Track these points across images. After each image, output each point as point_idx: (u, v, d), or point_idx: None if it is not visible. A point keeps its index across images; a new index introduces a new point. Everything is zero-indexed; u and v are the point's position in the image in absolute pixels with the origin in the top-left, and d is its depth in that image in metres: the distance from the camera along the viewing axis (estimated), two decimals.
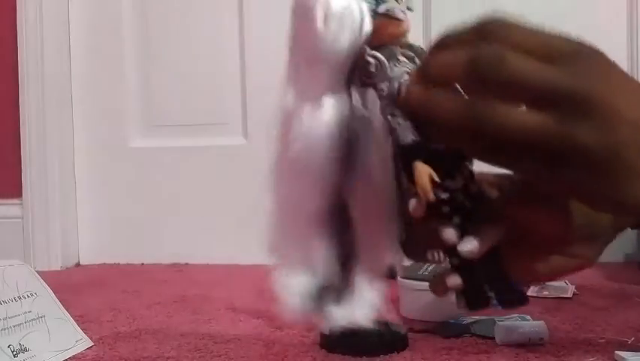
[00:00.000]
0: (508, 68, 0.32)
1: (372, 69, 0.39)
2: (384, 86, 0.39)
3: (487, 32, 0.34)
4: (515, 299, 0.41)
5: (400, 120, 0.38)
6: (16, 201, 1.35)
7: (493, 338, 0.67)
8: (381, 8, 0.40)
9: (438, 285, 0.41)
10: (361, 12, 0.40)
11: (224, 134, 1.33)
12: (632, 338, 0.67)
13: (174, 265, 1.30)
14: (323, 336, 0.68)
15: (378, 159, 0.41)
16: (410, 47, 0.41)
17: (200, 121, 1.34)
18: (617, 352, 0.61)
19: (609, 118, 0.32)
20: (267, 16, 1.30)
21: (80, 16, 1.38)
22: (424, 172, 0.37)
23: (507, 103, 0.32)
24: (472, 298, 0.41)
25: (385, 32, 0.40)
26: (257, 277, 1.12)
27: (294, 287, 0.45)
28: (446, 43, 0.35)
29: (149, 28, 1.36)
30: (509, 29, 0.34)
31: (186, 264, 1.31)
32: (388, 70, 0.39)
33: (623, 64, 1.17)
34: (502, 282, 0.41)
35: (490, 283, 0.41)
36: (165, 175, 1.36)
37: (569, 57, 0.33)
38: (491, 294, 0.41)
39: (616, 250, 1.14)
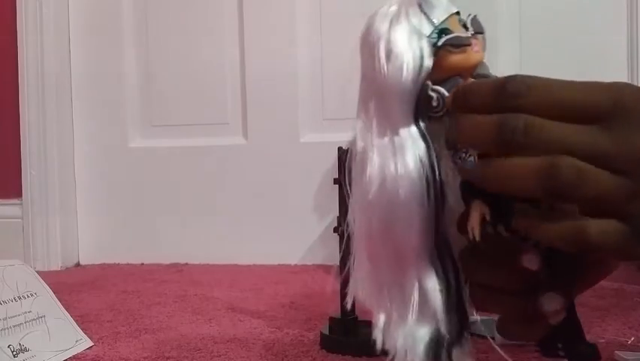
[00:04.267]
0: (538, 135, 0.31)
1: (435, 103, 0.39)
2: (446, 120, 0.39)
3: (510, 95, 0.32)
4: (586, 355, 0.40)
5: (463, 155, 0.38)
6: (16, 201, 1.35)
7: (493, 338, 0.67)
8: (440, 41, 0.39)
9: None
10: (421, 48, 0.39)
11: (224, 134, 1.33)
12: (632, 339, 0.67)
13: (174, 265, 1.30)
14: (323, 336, 0.68)
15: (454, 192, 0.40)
16: (484, 76, 0.40)
17: (200, 121, 1.34)
18: (616, 352, 0.61)
19: None
20: (267, 16, 1.30)
21: (80, 16, 1.38)
22: (476, 211, 0.37)
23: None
24: (543, 345, 0.40)
25: (447, 65, 0.39)
26: (257, 278, 1.13)
27: (411, 340, 0.41)
28: (470, 104, 0.35)
29: (148, 27, 1.36)
30: (535, 90, 0.32)
31: (186, 264, 1.31)
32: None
33: (624, 63, 1.17)
34: (574, 335, 0.39)
35: (562, 333, 0.39)
36: (165, 175, 1.36)
37: (605, 113, 0.31)
38: (560, 346, 0.40)
39: None
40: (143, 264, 1.33)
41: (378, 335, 0.42)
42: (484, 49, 0.40)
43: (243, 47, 1.32)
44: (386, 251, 0.41)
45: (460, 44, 0.39)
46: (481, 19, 0.41)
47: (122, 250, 1.35)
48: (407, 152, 0.39)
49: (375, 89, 0.41)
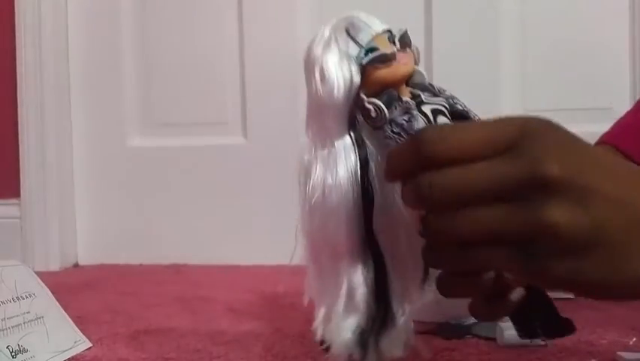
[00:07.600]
0: (442, 191, 0.33)
1: (373, 115, 0.44)
2: (387, 128, 0.44)
3: (425, 146, 0.34)
4: (561, 329, 0.43)
5: None
6: (14, 201, 1.34)
7: (494, 340, 0.67)
8: (365, 59, 0.44)
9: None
10: (350, 69, 0.44)
11: (224, 133, 1.33)
12: (634, 339, 0.67)
13: (173, 266, 1.29)
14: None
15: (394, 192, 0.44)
16: (419, 84, 0.46)
17: (200, 120, 1.34)
18: (618, 353, 0.61)
19: (582, 196, 0.31)
20: (267, 16, 1.30)
21: (79, 15, 1.37)
22: None
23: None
24: (521, 327, 0.43)
25: (375, 79, 0.45)
26: (257, 278, 1.13)
27: (339, 329, 0.47)
28: (396, 169, 0.37)
29: (148, 26, 1.36)
30: (440, 142, 0.34)
31: (185, 264, 1.30)
32: (387, 114, 0.44)
33: (625, 62, 1.17)
34: (547, 312, 0.43)
35: (536, 313, 0.42)
36: (164, 175, 1.35)
37: (513, 141, 0.33)
38: (537, 324, 0.43)
39: None
40: (141, 265, 1.32)
41: (318, 327, 0.49)
42: (415, 60, 0.46)
43: (242, 45, 1.31)
44: (325, 250, 0.47)
45: (384, 60, 0.44)
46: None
47: (121, 250, 1.35)
48: (340, 163, 0.45)
49: (314, 107, 0.47)
